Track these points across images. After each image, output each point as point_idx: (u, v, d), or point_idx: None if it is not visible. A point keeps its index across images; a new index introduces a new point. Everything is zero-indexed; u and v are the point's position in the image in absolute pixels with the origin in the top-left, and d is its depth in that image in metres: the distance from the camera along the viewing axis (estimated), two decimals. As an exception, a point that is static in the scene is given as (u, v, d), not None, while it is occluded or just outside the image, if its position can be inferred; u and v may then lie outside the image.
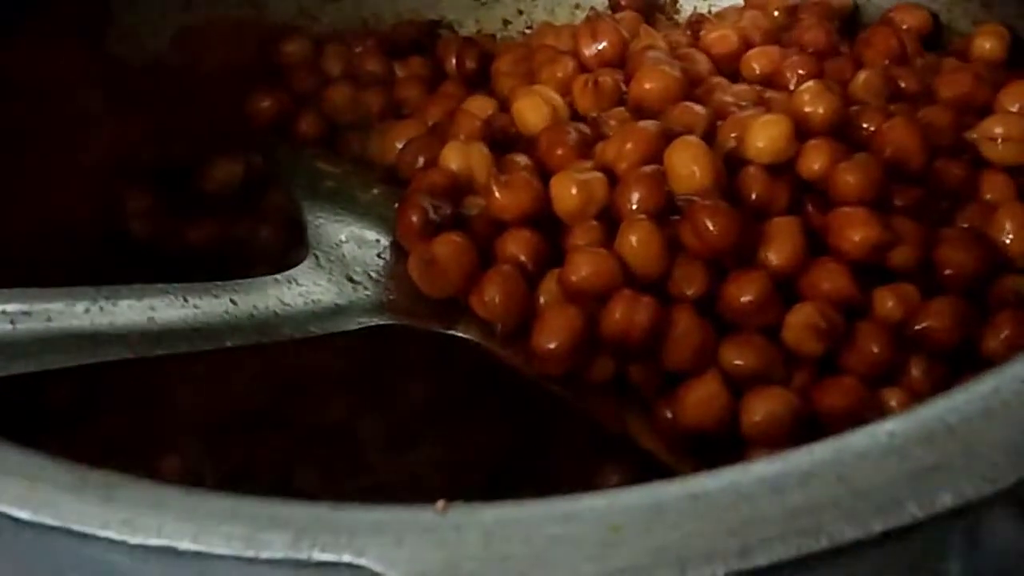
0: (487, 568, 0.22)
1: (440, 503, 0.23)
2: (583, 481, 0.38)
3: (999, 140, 0.43)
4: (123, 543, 0.23)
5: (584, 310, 0.38)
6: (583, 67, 0.48)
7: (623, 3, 0.55)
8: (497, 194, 0.41)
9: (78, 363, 0.34)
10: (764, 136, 0.41)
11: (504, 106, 0.47)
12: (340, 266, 0.42)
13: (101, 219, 0.48)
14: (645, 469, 0.37)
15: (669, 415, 0.38)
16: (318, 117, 0.51)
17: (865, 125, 0.43)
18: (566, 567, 0.22)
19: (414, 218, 0.41)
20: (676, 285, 0.39)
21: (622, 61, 0.48)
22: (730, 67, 0.49)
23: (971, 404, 0.24)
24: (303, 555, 0.22)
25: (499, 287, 0.39)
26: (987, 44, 0.49)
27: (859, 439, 0.24)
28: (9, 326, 0.33)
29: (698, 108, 0.43)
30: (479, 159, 0.43)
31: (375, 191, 0.46)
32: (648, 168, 0.40)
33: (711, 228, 0.38)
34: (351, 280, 0.41)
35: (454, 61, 0.53)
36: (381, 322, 0.40)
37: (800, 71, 0.47)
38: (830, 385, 0.38)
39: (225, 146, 0.50)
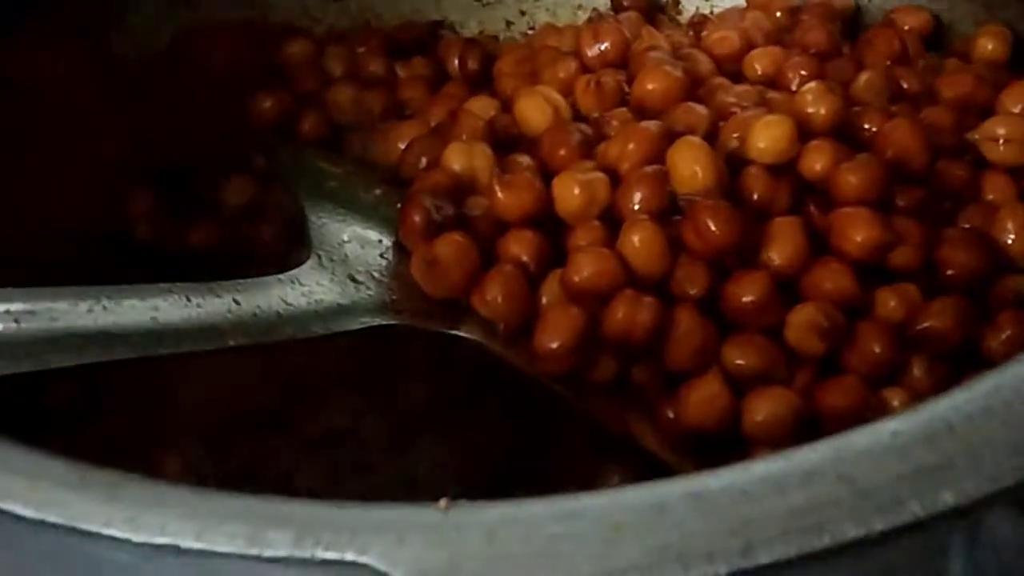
0: (489, 567, 0.22)
1: (443, 502, 0.23)
2: (585, 481, 0.38)
3: (1001, 141, 0.43)
4: (127, 541, 0.23)
5: (586, 310, 0.38)
6: (585, 68, 0.48)
7: (625, 4, 0.55)
8: (500, 194, 0.41)
9: (82, 362, 0.34)
10: (766, 136, 0.41)
11: (506, 107, 0.47)
12: (343, 266, 0.42)
13: (103, 220, 0.48)
14: (647, 469, 0.37)
15: (671, 415, 0.38)
16: (320, 117, 0.51)
17: (867, 126, 0.43)
18: (568, 566, 0.22)
19: (417, 218, 0.41)
20: (678, 285, 0.39)
21: (624, 62, 0.48)
22: (732, 68, 0.49)
23: (972, 403, 0.24)
24: (306, 553, 0.23)
25: (501, 287, 0.39)
26: (989, 45, 0.49)
27: (861, 438, 0.24)
28: (13, 325, 0.33)
29: (700, 109, 0.43)
30: (482, 159, 0.43)
31: (378, 191, 0.46)
32: (650, 168, 0.40)
33: (713, 228, 0.38)
34: (354, 280, 0.41)
35: (456, 62, 0.53)
36: (384, 322, 0.40)
37: (802, 72, 0.47)
38: (832, 385, 0.38)
39: (227, 147, 0.51)
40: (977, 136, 0.44)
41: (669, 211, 0.40)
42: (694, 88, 0.45)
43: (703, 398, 0.37)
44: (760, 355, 0.38)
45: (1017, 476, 0.23)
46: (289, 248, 0.46)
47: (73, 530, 0.23)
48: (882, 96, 0.46)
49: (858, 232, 0.39)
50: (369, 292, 0.41)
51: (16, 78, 0.46)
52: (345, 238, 0.43)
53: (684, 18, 0.56)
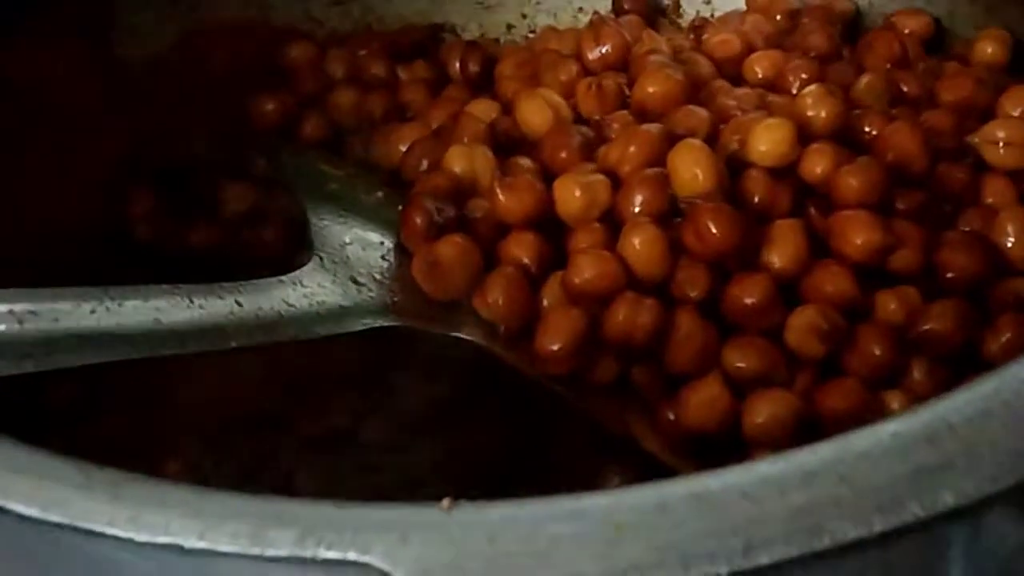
0: (491, 566, 0.22)
1: (445, 501, 0.23)
2: (585, 482, 0.38)
3: (1001, 144, 0.43)
4: (130, 540, 0.23)
5: (587, 312, 0.38)
6: (586, 71, 0.48)
7: (626, 7, 0.55)
8: (501, 197, 0.41)
9: (84, 363, 0.34)
10: (767, 139, 0.41)
11: (508, 109, 0.47)
12: (344, 268, 0.42)
13: (104, 220, 0.48)
14: (647, 470, 0.37)
15: (672, 416, 0.38)
16: (322, 120, 0.52)
17: (867, 129, 0.43)
18: (570, 565, 0.22)
19: (418, 220, 0.41)
20: (679, 287, 0.39)
21: (625, 65, 0.48)
22: (733, 71, 0.49)
23: (972, 404, 0.24)
24: (308, 553, 0.23)
25: (502, 289, 0.39)
26: (989, 48, 0.49)
27: (861, 439, 0.24)
28: (16, 326, 0.33)
29: (701, 111, 0.43)
30: (483, 162, 0.43)
31: (379, 194, 0.46)
32: (651, 171, 0.41)
33: (714, 231, 0.38)
34: (355, 282, 0.41)
35: (458, 65, 0.53)
36: (385, 323, 0.40)
37: (802, 75, 0.47)
38: (832, 387, 0.38)
39: (228, 149, 0.51)
40: (977, 139, 0.44)
41: (670, 214, 0.40)
42: (695, 91, 0.45)
43: (703, 400, 0.37)
44: (760, 357, 0.38)
45: (1017, 477, 0.23)
46: (291, 250, 0.46)
47: (76, 529, 0.24)
48: (882, 99, 0.46)
49: (858, 235, 0.39)
50: (371, 294, 0.41)
51: (17, 78, 0.46)
52: (347, 240, 0.43)
53: (685, 21, 0.56)
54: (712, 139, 0.42)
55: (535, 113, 0.45)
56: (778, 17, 0.52)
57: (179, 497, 0.24)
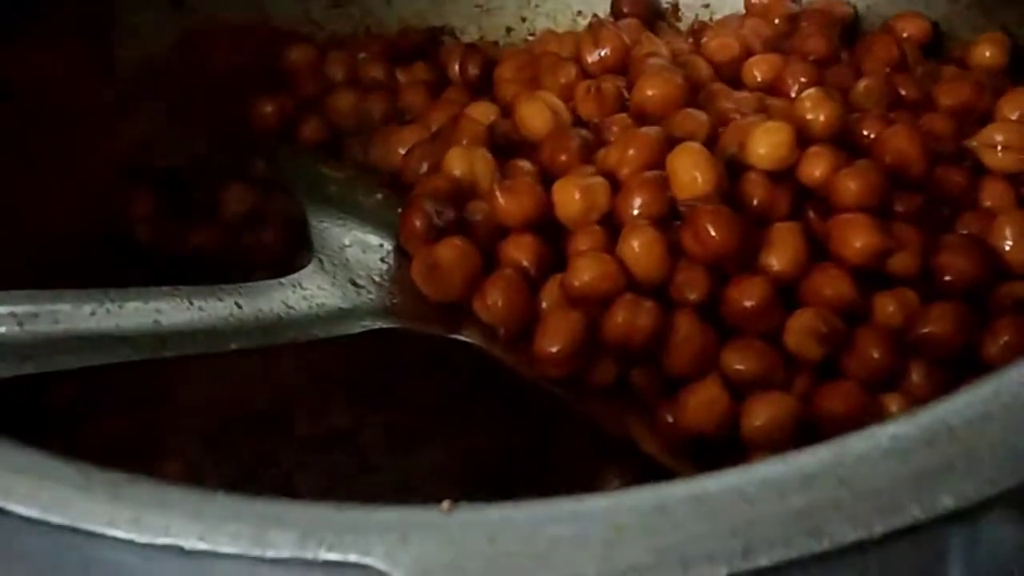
0: (491, 567, 0.22)
1: (445, 503, 0.23)
2: (585, 484, 0.38)
3: (999, 148, 0.43)
4: (131, 542, 0.23)
5: (586, 314, 0.38)
6: (585, 74, 0.48)
7: (625, 10, 0.55)
8: (500, 199, 0.41)
9: (84, 365, 0.34)
10: (765, 143, 0.41)
11: (507, 112, 0.47)
12: (344, 270, 0.42)
13: (104, 222, 0.48)
14: (646, 472, 0.37)
15: (670, 419, 0.38)
16: (322, 122, 0.52)
17: (866, 132, 0.43)
18: (569, 566, 0.22)
19: (417, 223, 0.41)
20: (678, 290, 0.39)
21: (624, 68, 0.48)
22: (731, 74, 0.49)
23: (972, 407, 0.24)
24: (309, 554, 0.23)
25: (502, 291, 0.39)
26: (987, 52, 0.49)
27: (860, 441, 0.24)
28: (17, 328, 0.33)
29: (700, 115, 0.43)
30: (482, 164, 0.43)
31: (379, 196, 0.46)
32: (650, 174, 0.41)
33: (713, 233, 0.38)
34: (355, 284, 0.41)
35: (457, 67, 0.53)
36: (384, 326, 0.40)
37: (801, 78, 0.47)
38: (831, 390, 0.38)
39: (228, 151, 0.51)
40: (975, 143, 0.44)
41: (669, 216, 0.40)
42: (694, 94, 0.45)
43: (702, 402, 0.38)
44: (759, 360, 0.38)
45: (1016, 479, 0.23)
46: (290, 252, 0.46)
47: (77, 531, 0.24)
48: (881, 103, 0.46)
49: (857, 238, 0.39)
50: (370, 296, 0.41)
51: (17, 79, 0.46)
52: (346, 242, 0.43)
53: (684, 25, 0.56)
54: (711, 142, 0.42)
55: (534, 116, 0.45)
56: (777, 21, 0.52)
57: (180, 498, 0.24)
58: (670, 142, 0.41)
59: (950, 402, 0.24)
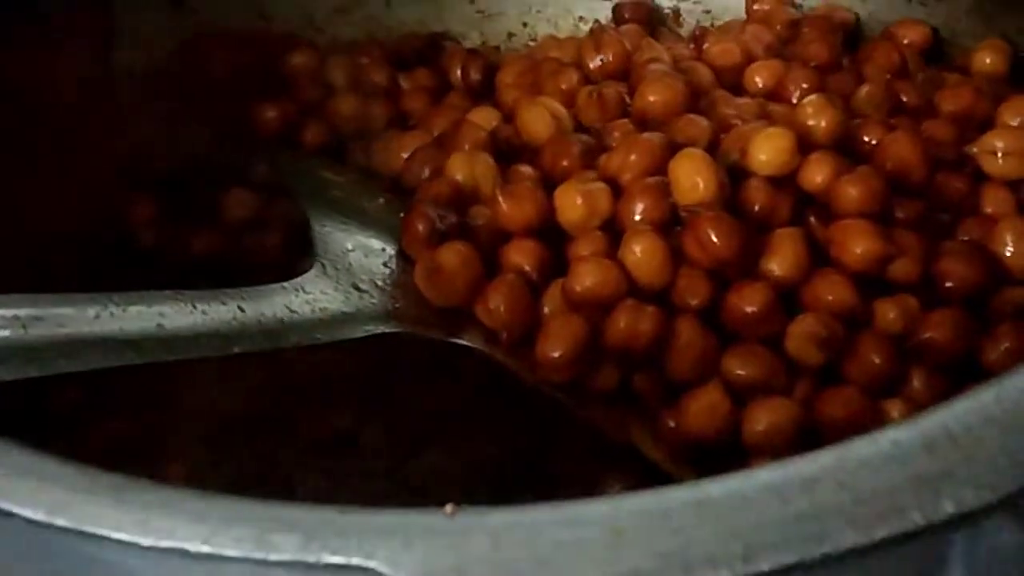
0: (494, 571, 0.22)
1: (448, 507, 0.23)
2: (586, 488, 0.38)
3: (1000, 154, 0.43)
4: (135, 545, 0.23)
5: (588, 319, 0.38)
6: (587, 79, 0.48)
7: (627, 16, 0.55)
8: (502, 204, 0.41)
9: (88, 368, 0.34)
10: (767, 149, 0.41)
11: (509, 117, 0.47)
12: (346, 274, 0.42)
13: (107, 227, 0.48)
14: (648, 477, 0.37)
15: (672, 424, 0.38)
16: (324, 127, 0.52)
17: (867, 138, 0.44)
18: (572, 570, 0.22)
19: (420, 227, 0.41)
20: (679, 295, 0.39)
21: (626, 73, 0.48)
22: (733, 80, 0.49)
23: (973, 413, 0.24)
24: (312, 557, 0.23)
25: (504, 296, 0.40)
26: (988, 58, 0.49)
27: (862, 446, 0.24)
28: (21, 331, 0.33)
29: (701, 120, 0.44)
30: (484, 169, 0.44)
31: (381, 201, 0.46)
32: (652, 179, 0.41)
33: (714, 239, 0.38)
34: (357, 288, 0.42)
35: (459, 73, 0.53)
36: (387, 330, 0.40)
37: (803, 84, 0.47)
38: (831, 395, 0.38)
39: (231, 155, 0.51)
40: (976, 149, 0.44)
41: (670, 222, 0.40)
42: (695, 100, 0.46)
43: (704, 408, 0.38)
44: (760, 365, 0.38)
45: (1016, 485, 0.23)
46: (293, 256, 0.46)
47: (81, 533, 0.24)
48: (882, 109, 0.46)
49: (858, 244, 0.39)
50: (372, 300, 0.41)
51: (20, 82, 0.46)
52: (349, 247, 0.43)
53: (685, 30, 0.56)
54: (712, 148, 0.42)
55: (536, 121, 0.46)
56: (778, 27, 0.52)
57: (184, 502, 0.24)
58: (672, 148, 0.41)
59: (951, 408, 0.24)
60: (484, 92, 0.52)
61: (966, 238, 0.42)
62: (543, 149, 0.44)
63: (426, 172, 0.45)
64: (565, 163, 0.43)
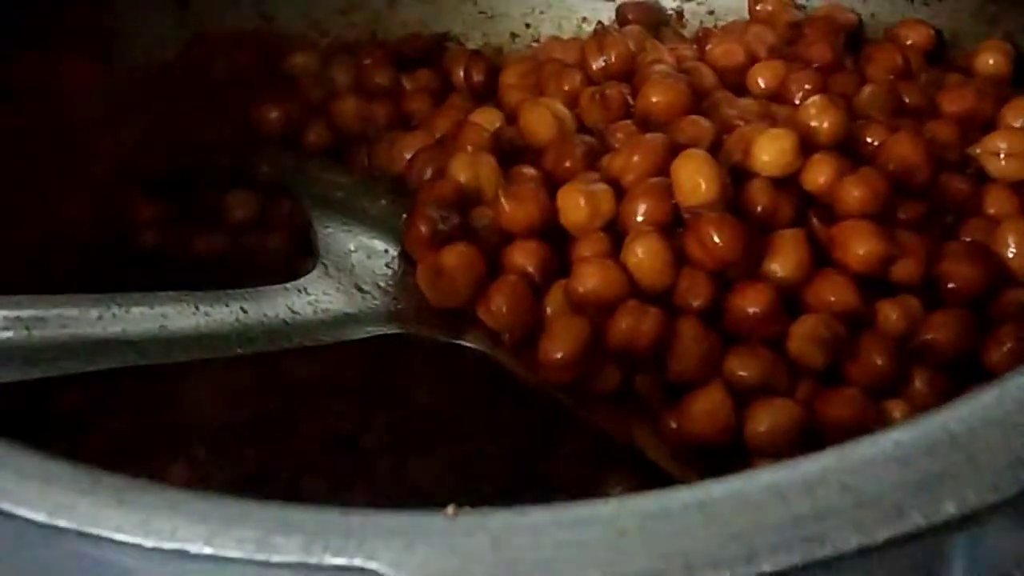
0: (496, 572, 0.22)
1: (450, 508, 0.23)
2: (588, 490, 0.38)
3: (1002, 155, 0.43)
4: (137, 546, 0.23)
5: (590, 320, 0.38)
6: (590, 80, 0.48)
7: (630, 17, 0.55)
8: (505, 205, 0.41)
9: (91, 369, 0.34)
10: (770, 149, 0.41)
11: (511, 118, 0.47)
12: (349, 275, 0.42)
13: (109, 228, 0.48)
14: (650, 478, 0.37)
15: (674, 425, 0.38)
16: (326, 128, 0.52)
17: (870, 139, 0.44)
18: (573, 572, 0.22)
19: (422, 228, 0.41)
20: (682, 296, 0.39)
21: (629, 74, 0.48)
22: (736, 81, 0.49)
23: (975, 414, 0.24)
24: (314, 559, 0.23)
25: (506, 297, 0.40)
26: (991, 60, 0.49)
27: (863, 448, 0.24)
28: (24, 332, 0.33)
29: (704, 121, 0.44)
30: (487, 171, 0.44)
31: (383, 202, 0.46)
32: (654, 180, 0.41)
33: (717, 240, 0.38)
34: (360, 289, 0.42)
35: (462, 73, 0.53)
36: (389, 331, 0.40)
37: (805, 85, 0.47)
38: (834, 396, 0.38)
39: (233, 156, 0.51)
40: (979, 150, 0.44)
41: (673, 223, 0.40)
42: (698, 101, 0.46)
43: (706, 409, 0.38)
44: (762, 366, 0.38)
45: (1018, 486, 0.23)
46: (295, 257, 0.46)
47: (83, 534, 0.24)
48: (885, 110, 0.46)
49: (860, 245, 0.39)
50: (375, 301, 0.41)
51: (22, 84, 0.46)
52: (351, 248, 0.43)
53: (688, 31, 0.56)
54: (715, 149, 0.42)
55: (539, 122, 0.46)
56: (781, 28, 0.52)
57: (186, 503, 0.24)
58: (674, 149, 0.41)
59: (952, 409, 0.24)
60: (487, 93, 0.52)
61: (969, 239, 0.42)
62: (546, 150, 0.44)
63: (428, 173, 0.45)
64: (568, 164, 0.43)
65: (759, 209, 0.41)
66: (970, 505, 0.23)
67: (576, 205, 0.41)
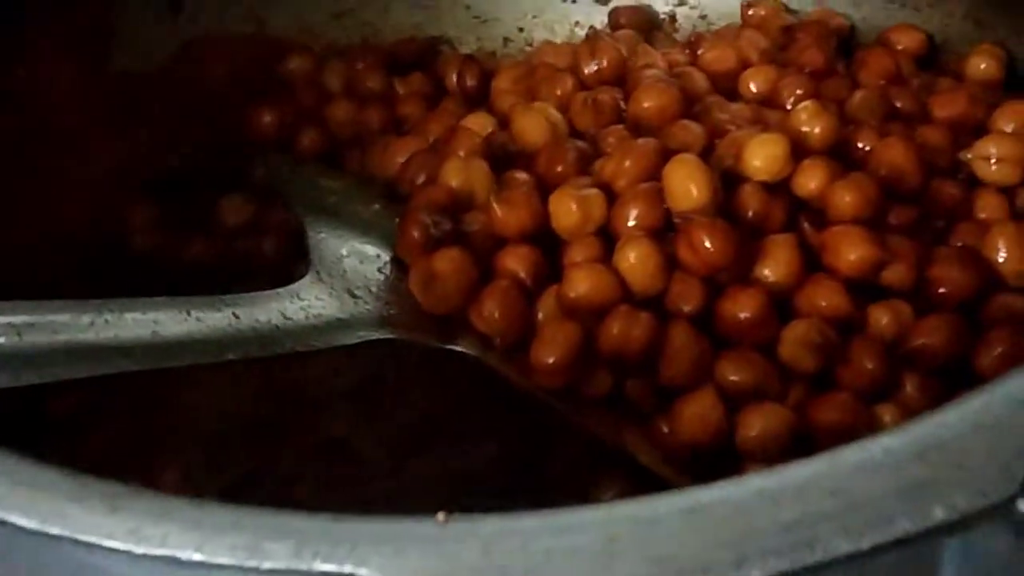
0: (486, 579, 0.22)
1: (440, 514, 0.23)
2: (580, 494, 0.38)
3: (993, 160, 0.44)
4: (128, 553, 0.23)
5: (582, 325, 0.39)
6: (582, 85, 0.49)
7: (622, 21, 0.55)
8: (497, 210, 0.41)
9: (83, 375, 0.34)
10: (761, 154, 0.41)
11: (504, 123, 0.47)
12: (341, 281, 0.42)
13: (103, 232, 0.48)
14: (642, 483, 0.37)
15: (666, 429, 0.38)
16: (319, 133, 0.52)
17: (861, 144, 0.44)
18: (564, 578, 0.22)
19: (415, 233, 0.41)
20: (673, 301, 0.39)
21: (621, 79, 0.48)
22: (728, 86, 0.49)
23: (963, 420, 0.24)
24: (305, 565, 0.23)
25: (498, 302, 0.40)
26: (982, 64, 0.49)
27: (853, 453, 0.24)
28: (16, 338, 0.33)
29: (695, 126, 0.44)
30: (479, 175, 0.44)
31: (376, 207, 0.46)
32: (646, 185, 0.41)
33: (708, 245, 0.38)
34: (352, 294, 0.42)
35: (455, 78, 0.53)
36: (381, 336, 0.40)
37: (797, 90, 0.47)
38: (825, 401, 0.38)
39: (226, 161, 0.51)
40: (970, 155, 0.44)
41: (664, 228, 0.40)
42: (690, 106, 0.46)
43: (697, 413, 0.38)
44: (754, 371, 0.38)
45: (1006, 492, 0.23)
46: (288, 262, 0.46)
47: (74, 541, 0.24)
48: (876, 115, 0.46)
49: (852, 250, 0.40)
50: (367, 306, 0.41)
51: (17, 88, 0.46)
52: (344, 253, 0.43)
53: (680, 36, 0.56)
54: (707, 154, 0.42)
55: (531, 127, 0.46)
56: (773, 33, 0.53)
57: (177, 509, 0.24)
58: (666, 154, 0.41)
59: (941, 415, 0.24)
60: (479, 98, 0.52)
61: (960, 244, 0.42)
62: (538, 155, 0.44)
63: (421, 178, 0.45)
64: (560, 169, 0.43)
65: (750, 214, 0.41)
66: (959, 511, 0.23)
67: (568, 210, 0.41)
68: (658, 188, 0.41)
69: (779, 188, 0.41)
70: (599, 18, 0.57)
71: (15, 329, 0.33)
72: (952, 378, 0.39)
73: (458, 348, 0.40)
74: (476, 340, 0.40)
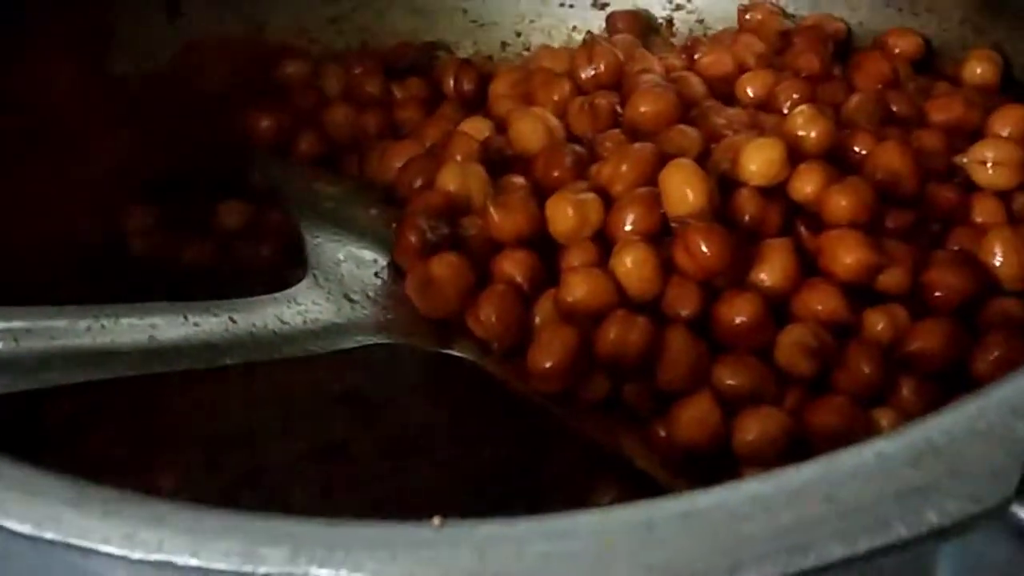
0: (481, 584, 0.22)
1: (436, 519, 0.23)
2: (577, 499, 0.38)
3: (989, 164, 0.44)
4: (124, 558, 0.23)
5: (579, 330, 0.39)
6: (579, 89, 0.49)
7: (619, 26, 0.55)
8: (494, 215, 0.42)
9: (80, 380, 0.34)
10: (757, 159, 0.41)
11: (501, 128, 0.48)
12: (338, 285, 0.42)
13: (100, 236, 0.48)
14: (639, 487, 0.37)
15: (663, 433, 0.38)
16: (317, 137, 0.52)
17: (857, 148, 0.44)
18: (559, 583, 0.22)
19: (412, 238, 0.41)
20: (670, 305, 0.39)
21: (618, 84, 0.48)
22: (724, 90, 0.49)
23: (957, 425, 0.24)
24: (300, 570, 0.23)
25: (495, 307, 0.40)
26: (978, 68, 0.49)
27: (847, 458, 0.24)
28: (13, 343, 0.33)
29: (692, 131, 0.44)
30: (476, 180, 0.44)
31: (373, 211, 0.46)
32: (643, 190, 0.41)
33: (705, 250, 0.39)
34: (349, 299, 0.42)
35: (452, 83, 0.53)
36: (378, 341, 0.40)
37: (793, 95, 0.47)
38: (821, 405, 0.38)
39: (224, 165, 0.51)
40: (966, 159, 0.44)
41: (661, 232, 0.40)
42: (686, 110, 0.46)
43: (694, 417, 0.38)
44: (750, 375, 0.38)
45: (1000, 497, 0.23)
46: (285, 267, 0.46)
47: (70, 546, 0.24)
48: (872, 119, 0.46)
49: (848, 254, 0.40)
50: (364, 311, 0.41)
51: (15, 91, 0.46)
52: (341, 257, 0.43)
53: (677, 40, 0.57)
54: (703, 158, 0.42)
55: (528, 131, 0.46)
56: (770, 37, 0.53)
57: (173, 515, 0.24)
58: (662, 158, 0.41)
59: (935, 420, 0.25)
60: (477, 102, 0.52)
61: (956, 248, 0.42)
62: (535, 159, 0.44)
63: (418, 182, 0.45)
64: (557, 173, 0.43)
65: (747, 218, 0.41)
66: (952, 516, 0.23)
67: (565, 214, 0.41)
68: (655, 193, 0.41)
69: (775, 192, 0.41)
70: (596, 23, 0.57)
71: (12, 335, 0.33)
72: (949, 382, 0.39)
73: (455, 352, 0.40)
74: (473, 344, 0.40)
